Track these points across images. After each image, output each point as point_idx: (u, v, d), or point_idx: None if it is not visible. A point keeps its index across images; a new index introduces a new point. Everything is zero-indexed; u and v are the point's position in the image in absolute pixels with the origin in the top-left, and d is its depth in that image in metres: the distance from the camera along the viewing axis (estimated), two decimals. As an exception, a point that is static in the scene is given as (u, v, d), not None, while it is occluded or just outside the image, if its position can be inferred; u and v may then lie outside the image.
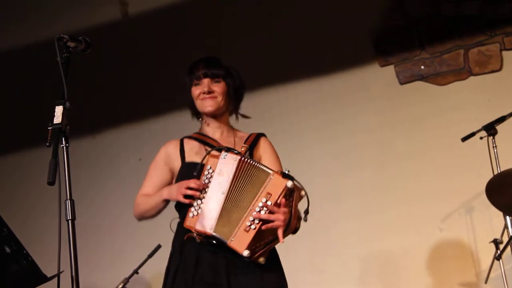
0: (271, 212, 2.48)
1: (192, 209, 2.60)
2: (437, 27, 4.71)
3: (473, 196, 4.35)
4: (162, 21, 5.16)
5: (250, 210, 2.50)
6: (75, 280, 2.32)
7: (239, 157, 2.57)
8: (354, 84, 4.82)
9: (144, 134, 4.96)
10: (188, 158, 2.80)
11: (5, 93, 5.35)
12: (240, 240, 2.49)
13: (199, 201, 2.58)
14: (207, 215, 2.55)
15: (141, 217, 2.85)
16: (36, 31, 5.23)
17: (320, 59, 4.87)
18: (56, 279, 2.37)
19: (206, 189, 2.58)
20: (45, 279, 2.49)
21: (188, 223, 2.61)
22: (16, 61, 5.31)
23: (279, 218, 2.48)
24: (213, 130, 2.86)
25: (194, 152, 2.80)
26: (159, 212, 2.80)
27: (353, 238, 4.62)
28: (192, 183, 2.59)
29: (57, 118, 2.46)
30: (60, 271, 2.33)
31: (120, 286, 3.88)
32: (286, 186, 2.48)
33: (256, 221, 2.49)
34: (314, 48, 4.87)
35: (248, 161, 2.58)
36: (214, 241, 2.57)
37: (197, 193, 2.58)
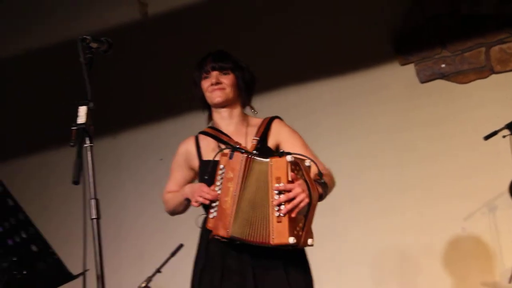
0: (288, 192, 2.48)
1: (212, 210, 2.62)
2: (457, 25, 4.68)
3: (496, 195, 4.31)
4: (181, 21, 5.18)
5: (271, 202, 2.50)
6: (101, 278, 2.34)
7: (244, 156, 2.58)
8: (374, 83, 4.80)
9: (164, 133, 4.97)
10: (205, 156, 2.82)
11: (28, 94, 5.39)
12: (279, 233, 2.47)
13: (216, 202, 2.60)
14: (223, 218, 2.56)
15: (172, 213, 2.93)
16: (56, 32, 5.27)
17: (340, 58, 4.85)
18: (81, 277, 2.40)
19: (221, 190, 2.59)
20: (71, 277, 2.52)
21: (209, 224, 2.62)
22: (38, 62, 5.35)
23: (298, 192, 2.48)
24: (225, 122, 2.87)
25: (210, 149, 2.82)
26: (186, 208, 2.86)
27: (373, 237, 4.60)
28: (204, 191, 2.62)
29: (81, 118, 2.48)
30: (86, 269, 2.35)
31: (143, 285, 3.90)
32: (287, 162, 2.50)
33: (281, 207, 2.48)
34: (334, 48, 4.86)
35: (252, 157, 2.58)
36: (237, 242, 2.57)
37: (208, 202, 2.60)
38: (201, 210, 2.76)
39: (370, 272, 4.60)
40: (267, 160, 2.55)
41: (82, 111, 2.50)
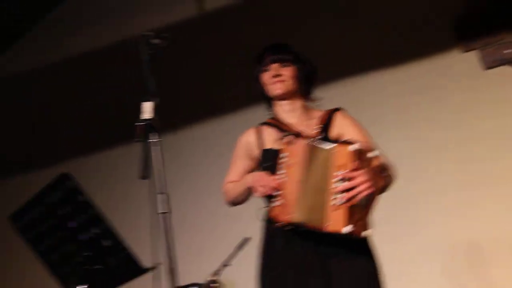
0: (350, 181, 2.45)
1: (275, 198, 2.61)
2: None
3: None
4: (239, 16, 5.18)
5: (331, 189, 2.47)
6: (173, 271, 2.36)
7: (306, 142, 2.57)
8: (437, 70, 4.70)
9: (224, 128, 4.98)
10: (266, 145, 2.82)
11: (93, 92, 5.50)
12: (335, 220, 2.45)
13: (279, 191, 2.59)
14: (286, 204, 2.55)
15: (232, 203, 2.93)
16: (113, 31, 5.36)
17: (402, 46, 4.77)
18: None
19: (284, 178, 2.58)
20: (143, 271, 2.54)
21: (273, 212, 2.61)
22: (100, 60, 5.45)
23: (360, 181, 2.44)
24: (287, 115, 2.87)
25: (271, 138, 2.81)
26: (247, 198, 2.85)
27: (446, 231, 4.50)
28: (267, 177, 2.62)
29: (147, 114, 2.52)
30: (158, 263, 2.38)
31: (211, 278, 3.93)
32: (351, 151, 2.46)
33: (342, 195, 2.46)
34: (395, 36, 4.78)
35: (314, 144, 2.56)
36: (302, 229, 2.55)
37: (269, 191, 2.59)
38: (261, 203, 2.75)
39: (441, 266, 4.51)
40: (330, 147, 2.52)
41: (147, 107, 2.54)
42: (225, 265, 4.02)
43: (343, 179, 2.46)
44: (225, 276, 4.10)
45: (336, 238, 2.52)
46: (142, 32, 2.62)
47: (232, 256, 4.03)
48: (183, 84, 5.15)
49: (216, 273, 4.01)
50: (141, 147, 2.47)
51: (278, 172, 2.61)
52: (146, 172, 2.41)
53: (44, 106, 5.67)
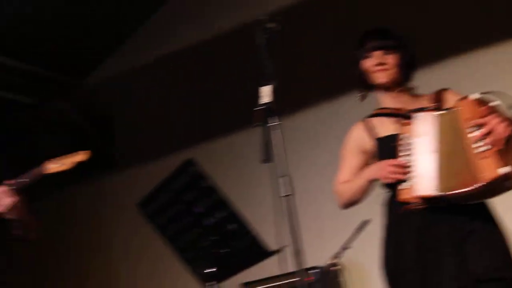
0: (485, 126, 2.40)
1: (404, 181, 2.54)
2: None
3: None
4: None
5: (469, 143, 2.42)
6: (299, 253, 2.37)
7: (433, 112, 2.53)
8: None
9: (342, 109, 4.91)
10: (380, 134, 2.74)
11: (213, 79, 5.58)
12: (487, 167, 2.38)
13: (407, 173, 2.52)
14: (424, 179, 2.48)
15: (348, 204, 2.83)
16: (229, 18, 5.41)
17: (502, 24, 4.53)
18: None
19: (411, 157, 2.52)
20: (269, 254, 2.57)
21: (403, 195, 2.54)
22: (217, 48, 5.51)
23: (495, 123, 2.39)
24: (392, 101, 2.76)
25: (384, 127, 2.74)
26: (365, 194, 2.77)
27: None
28: (393, 162, 2.55)
29: (266, 98, 2.53)
30: (283, 245, 2.39)
31: (331, 261, 3.92)
32: (473, 100, 2.45)
33: (483, 141, 2.40)
34: (495, 14, 4.53)
35: (442, 112, 2.53)
36: (440, 203, 2.49)
37: (400, 173, 2.53)
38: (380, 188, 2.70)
39: None
40: (452, 107, 2.50)
41: (265, 91, 2.55)
42: (344, 248, 3.99)
43: (478, 127, 2.41)
44: (346, 259, 4.07)
45: (469, 213, 2.47)
46: (257, 17, 2.63)
47: (352, 239, 3.99)
48: (300, 66, 5.11)
49: (336, 256, 3.98)
50: (262, 131, 2.48)
51: (401, 154, 2.56)
52: (267, 155, 2.42)
53: (165, 95, 5.82)
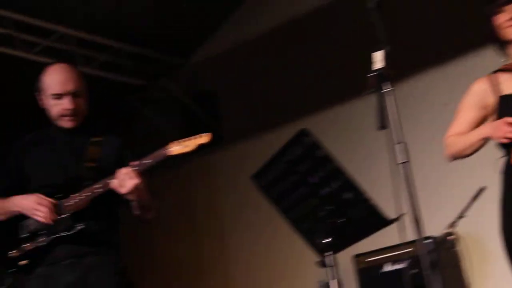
0: None
1: None
2: None
3: None
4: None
5: None
6: (418, 221, 2.31)
7: None
8: None
9: (448, 78, 4.76)
10: (506, 91, 2.61)
11: (324, 48, 5.50)
12: None
13: None
14: None
15: (455, 157, 2.76)
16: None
17: None
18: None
19: None
20: (388, 222, 2.52)
21: None
22: (326, 17, 5.44)
23: None
24: None
25: (509, 83, 2.61)
26: (475, 151, 2.68)
27: None
28: (511, 120, 2.43)
29: (378, 63, 2.47)
30: (402, 213, 2.34)
31: (447, 231, 3.81)
32: None
33: None
34: None
35: None
36: None
37: None
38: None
39: None
40: None
41: (378, 56, 2.49)
42: (460, 216, 3.87)
43: None
44: (461, 228, 3.95)
45: None
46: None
47: (468, 207, 3.86)
48: (412, 29, 4.96)
49: (452, 225, 3.87)
50: (376, 97, 2.42)
51: None
52: (383, 122, 2.37)
53: (271, 69, 5.82)
